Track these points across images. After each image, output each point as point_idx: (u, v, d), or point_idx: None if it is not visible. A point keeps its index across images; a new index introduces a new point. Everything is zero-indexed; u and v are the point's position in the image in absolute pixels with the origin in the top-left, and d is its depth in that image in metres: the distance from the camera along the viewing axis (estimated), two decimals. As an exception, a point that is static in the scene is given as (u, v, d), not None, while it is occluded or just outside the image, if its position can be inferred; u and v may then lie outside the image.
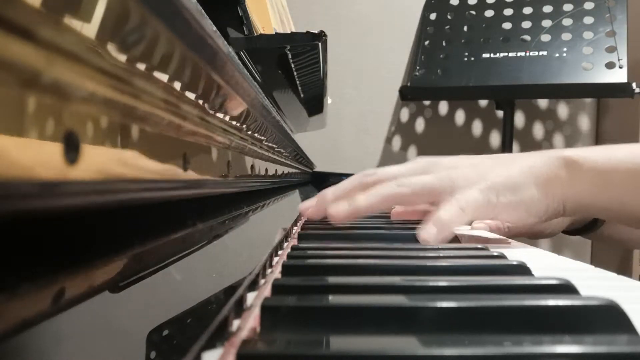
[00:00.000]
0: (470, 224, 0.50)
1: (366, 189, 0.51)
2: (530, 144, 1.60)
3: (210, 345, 0.17)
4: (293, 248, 0.37)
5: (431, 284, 0.24)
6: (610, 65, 1.32)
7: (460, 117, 1.66)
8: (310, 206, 0.53)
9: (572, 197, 0.49)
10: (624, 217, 0.51)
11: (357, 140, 1.69)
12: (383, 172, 0.54)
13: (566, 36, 1.38)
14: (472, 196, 0.48)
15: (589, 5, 1.39)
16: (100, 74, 0.13)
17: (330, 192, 0.53)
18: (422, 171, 0.52)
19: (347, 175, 1.07)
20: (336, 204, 0.50)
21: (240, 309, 0.22)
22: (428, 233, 0.44)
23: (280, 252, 0.39)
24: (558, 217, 0.52)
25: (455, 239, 0.47)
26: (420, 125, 1.68)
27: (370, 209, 0.50)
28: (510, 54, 1.40)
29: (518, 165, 0.50)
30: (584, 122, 1.62)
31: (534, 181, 0.49)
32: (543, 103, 1.63)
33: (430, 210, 0.50)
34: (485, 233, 0.48)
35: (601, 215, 0.55)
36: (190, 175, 0.22)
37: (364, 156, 1.66)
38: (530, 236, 0.67)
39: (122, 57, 0.14)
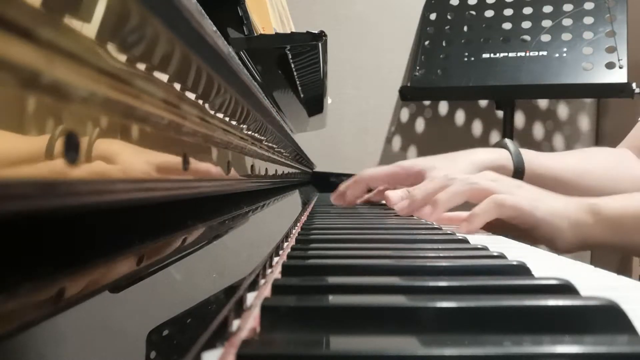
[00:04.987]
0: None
1: (441, 189, 0.67)
2: (530, 144, 1.60)
3: (210, 345, 0.17)
4: (293, 248, 0.37)
5: (431, 284, 0.24)
6: (610, 66, 1.32)
7: (460, 117, 1.66)
8: (403, 207, 0.69)
9: (592, 237, 0.63)
10: (634, 252, 0.65)
11: (357, 140, 1.69)
12: (446, 175, 0.69)
13: (566, 36, 1.38)
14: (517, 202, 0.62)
15: (589, 5, 1.39)
16: (100, 74, 0.13)
17: (419, 195, 0.69)
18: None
19: (348, 175, 1.06)
20: (423, 210, 0.68)
21: (240, 309, 0.22)
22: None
23: (280, 252, 0.39)
24: (577, 251, 0.66)
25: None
26: (420, 125, 1.68)
27: (449, 207, 0.66)
28: (510, 54, 1.40)
29: (557, 206, 0.64)
30: (584, 122, 1.62)
31: (567, 221, 0.63)
32: (543, 103, 1.63)
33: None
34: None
35: (615, 251, 0.71)
36: (190, 175, 0.22)
37: (364, 156, 1.66)
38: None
39: (122, 57, 0.14)
